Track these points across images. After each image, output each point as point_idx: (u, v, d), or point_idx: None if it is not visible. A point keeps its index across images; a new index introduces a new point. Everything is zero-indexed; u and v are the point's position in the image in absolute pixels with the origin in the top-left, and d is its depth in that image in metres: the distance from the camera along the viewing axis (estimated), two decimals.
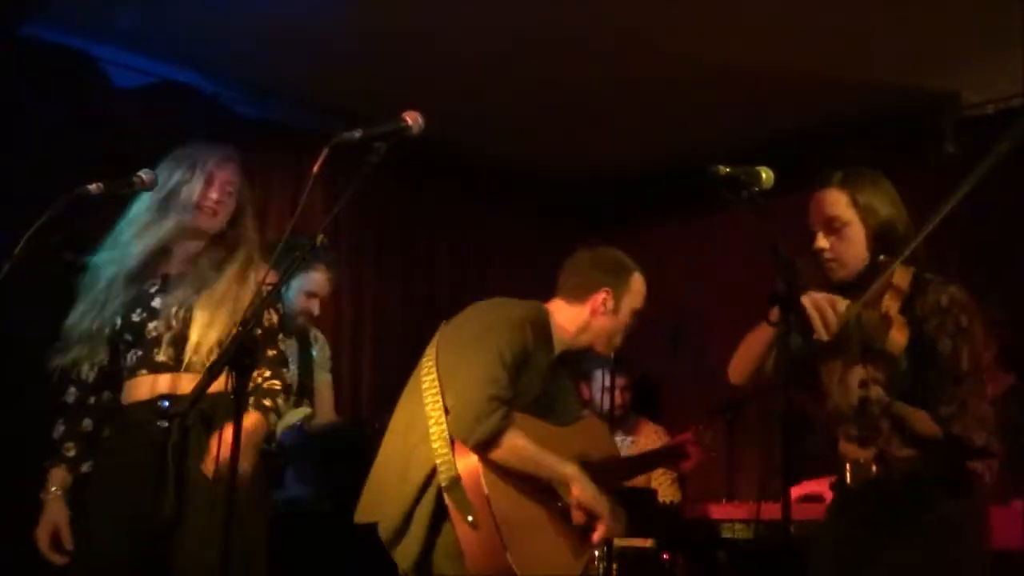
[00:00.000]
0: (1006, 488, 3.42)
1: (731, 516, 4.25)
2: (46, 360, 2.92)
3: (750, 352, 2.85)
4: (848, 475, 2.74)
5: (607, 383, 4.79)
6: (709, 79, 4.93)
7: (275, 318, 2.99)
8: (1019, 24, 4.17)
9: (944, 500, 2.61)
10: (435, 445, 2.95)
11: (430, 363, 3.11)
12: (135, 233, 2.93)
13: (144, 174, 2.78)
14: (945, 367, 2.59)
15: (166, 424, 2.77)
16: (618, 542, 4.29)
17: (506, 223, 6.33)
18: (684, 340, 5.86)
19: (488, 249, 6.31)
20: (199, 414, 2.76)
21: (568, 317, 3.29)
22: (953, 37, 4.53)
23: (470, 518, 2.87)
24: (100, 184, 2.67)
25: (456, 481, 2.90)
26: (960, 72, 4.85)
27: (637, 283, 3.38)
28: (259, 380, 2.86)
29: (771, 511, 3.96)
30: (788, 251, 2.46)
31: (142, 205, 2.95)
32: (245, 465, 2.60)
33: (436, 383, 3.04)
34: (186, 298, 2.87)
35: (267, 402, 2.86)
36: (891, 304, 2.63)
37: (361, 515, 3.09)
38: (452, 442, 2.94)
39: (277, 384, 2.90)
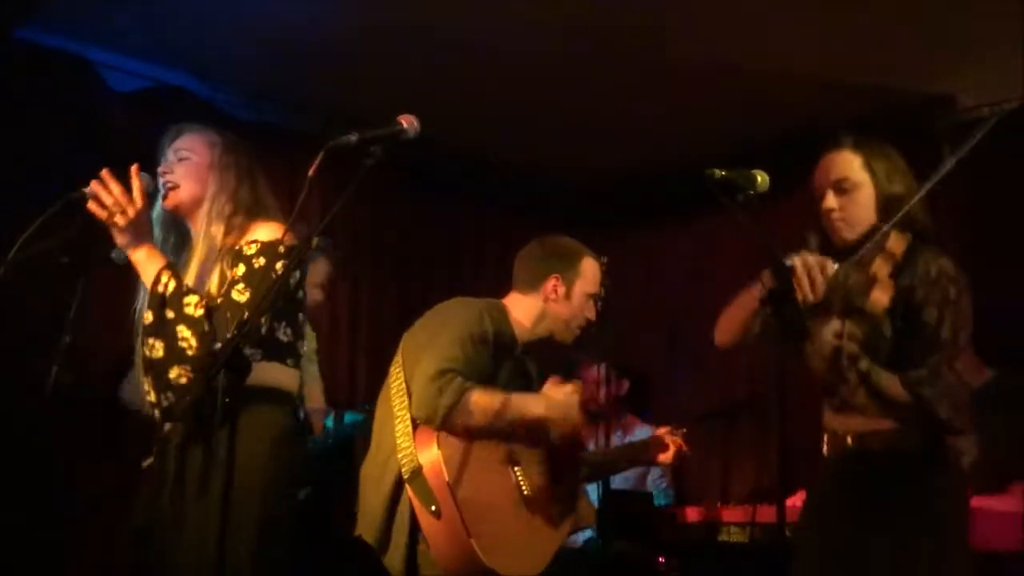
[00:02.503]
0: (1006, 476, 3.42)
1: (727, 519, 4.25)
2: (40, 362, 2.91)
3: (736, 316, 2.83)
4: (825, 446, 2.75)
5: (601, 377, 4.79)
6: (706, 81, 4.93)
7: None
8: (1016, 29, 4.19)
9: (920, 474, 2.59)
10: (399, 441, 2.99)
11: (397, 370, 3.15)
12: None
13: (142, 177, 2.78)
14: (927, 336, 2.58)
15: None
16: (612, 546, 4.30)
17: (502, 224, 6.33)
18: (682, 341, 5.88)
19: (485, 250, 6.31)
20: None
21: (524, 309, 3.32)
22: (950, 42, 4.54)
23: (433, 508, 2.88)
24: None
25: (417, 471, 2.92)
26: (957, 76, 4.86)
27: (588, 267, 3.37)
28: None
29: (767, 514, 3.97)
30: (784, 253, 2.47)
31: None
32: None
33: (403, 387, 3.08)
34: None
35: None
36: (882, 267, 2.63)
37: (356, 528, 3.11)
38: (414, 434, 2.97)
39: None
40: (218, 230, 2.74)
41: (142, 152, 2.88)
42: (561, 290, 3.32)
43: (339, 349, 5.47)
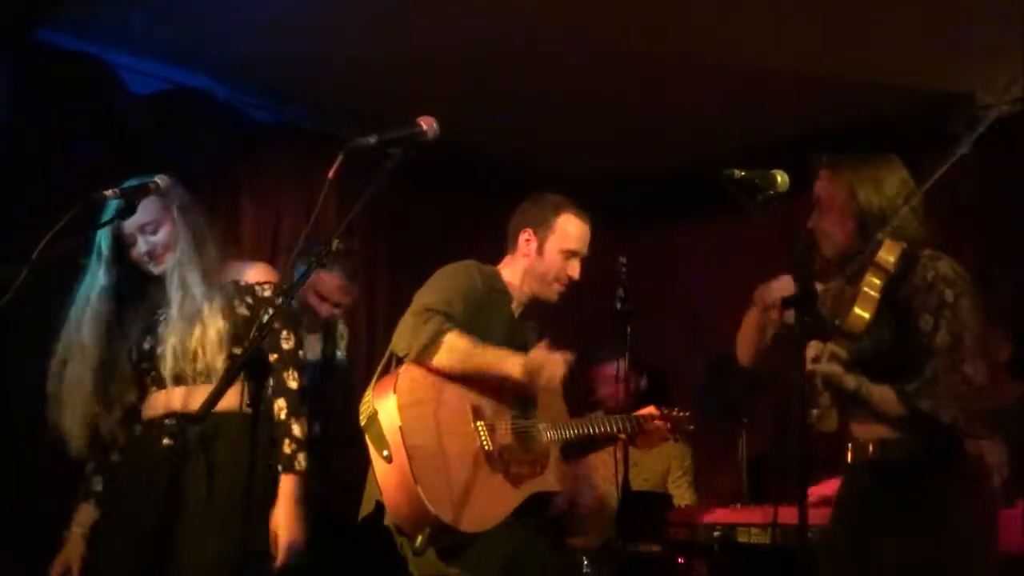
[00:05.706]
0: (1013, 490, 3.39)
1: (748, 520, 4.23)
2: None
3: (747, 337, 2.90)
4: (849, 454, 2.75)
5: (619, 373, 4.77)
6: (726, 81, 4.92)
7: (292, 342, 2.91)
8: None
9: (940, 485, 2.57)
10: (364, 397, 3.00)
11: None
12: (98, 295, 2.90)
13: (160, 179, 2.79)
14: (921, 343, 2.56)
15: (170, 442, 2.78)
16: (632, 546, 4.28)
17: None
18: (701, 339, 5.86)
19: (501, 251, 6.28)
20: (199, 436, 2.76)
21: (510, 269, 3.33)
22: (968, 38, 4.51)
23: (384, 453, 2.87)
24: (116, 189, 2.68)
25: (373, 417, 2.92)
26: (975, 73, 4.83)
27: (564, 222, 3.29)
28: (285, 442, 2.81)
29: (788, 515, 3.94)
30: (803, 252, 2.46)
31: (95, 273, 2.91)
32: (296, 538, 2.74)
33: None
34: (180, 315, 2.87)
35: (299, 464, 2.81)
36: (872, 280, 2.62)
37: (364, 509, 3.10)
38: (374, 385, 2.99)
39: (301, 435, 2.84)
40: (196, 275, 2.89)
41: (161, 154, 2.89)
42: (533, 244, 3.29)
43: (356, 350, 5.46)
